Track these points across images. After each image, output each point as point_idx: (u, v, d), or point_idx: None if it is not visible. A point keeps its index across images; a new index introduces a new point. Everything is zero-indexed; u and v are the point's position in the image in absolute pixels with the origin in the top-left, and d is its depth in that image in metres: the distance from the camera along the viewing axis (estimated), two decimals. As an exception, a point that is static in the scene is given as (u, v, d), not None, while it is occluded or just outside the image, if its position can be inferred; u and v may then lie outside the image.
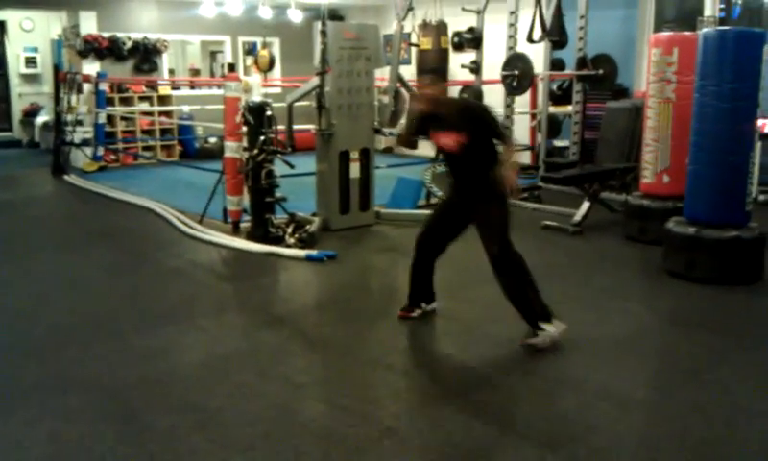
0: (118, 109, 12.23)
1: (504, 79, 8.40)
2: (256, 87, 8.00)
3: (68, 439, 3.33)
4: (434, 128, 4.59)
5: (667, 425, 3.46)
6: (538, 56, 9.06)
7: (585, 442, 3.29)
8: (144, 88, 12.74)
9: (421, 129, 4.72)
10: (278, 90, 12.68)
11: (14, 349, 4.45)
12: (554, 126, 10.10)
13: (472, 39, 9.25)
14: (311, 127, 7.50)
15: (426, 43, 10.17)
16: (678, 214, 6.06)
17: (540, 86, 9.83)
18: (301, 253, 6.38)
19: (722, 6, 9.60)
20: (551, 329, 4.36)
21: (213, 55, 15.74)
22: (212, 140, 12.86)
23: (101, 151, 11.82)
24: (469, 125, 4.44)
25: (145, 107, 12.64)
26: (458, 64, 9.62)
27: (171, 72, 14.05)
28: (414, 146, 5.11)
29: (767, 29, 7.94)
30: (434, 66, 9.97)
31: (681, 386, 3.91)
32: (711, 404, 3.66)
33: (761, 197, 8.37)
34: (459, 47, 11.36)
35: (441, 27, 10.08)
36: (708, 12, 9.54)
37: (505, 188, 4.40)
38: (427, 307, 4.87)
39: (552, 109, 9.83)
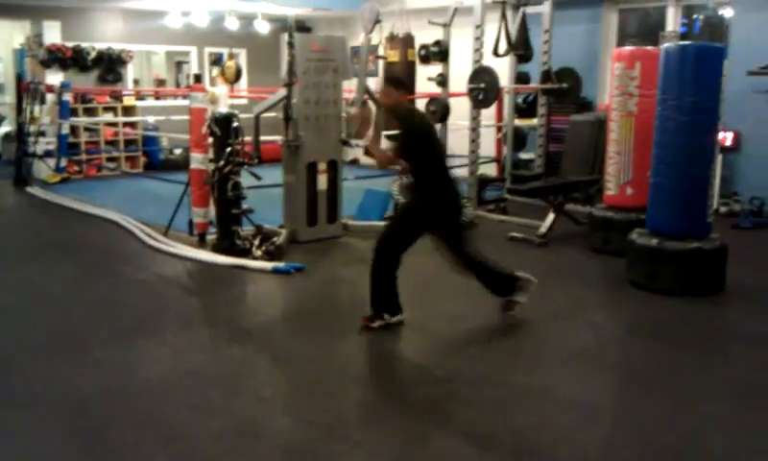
0: (82, 120, 12.06)
1: (470, 92, 8.47)
2: (223, 98, 7.98)
3: (36, 456, 3.28)
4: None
5: (631, 435, 3.51)
6: (503, 69, 9.16)
7: (550, 453, 3.32)
8: (108, 99, 12.59)
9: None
10: (245, 102, 12.63)
11: (-26, 364, 4.36)
12: (519, 138, 10.20)
13: (439, 52, 9.32)
14: (278, 138, 7.48)
15: (393, 56, 10.23)
16: (641, 226, 6.15)
17: (506, 99, 9.92)
18: (268, 265, 6.34)
19: (683, 21, 9.82)
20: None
21: (179, 65, 15.62)
22: (177, 151, 12.76)
23: (64, 162, 11.62)
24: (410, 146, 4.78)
25: (109, 117, 12.48)
26: (425, 77, 9.67)
27: (136, 82, 13.90)
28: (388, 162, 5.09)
29: (727, 44, 8.17)
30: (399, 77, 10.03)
31: (643, 396, 3.97)
32: (674, 413, 3.72)
33: (722, 208, 8.54)
34: (426, 60, 11.43)
35: (408, 40, 10.15)
36: (669, 26, 9.79)
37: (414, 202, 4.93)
38: (391, 319, 4.84)
39: (517, 122, 9.94)
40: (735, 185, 8.90)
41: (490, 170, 10.48)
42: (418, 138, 4.82)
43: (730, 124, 8.22)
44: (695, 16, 10.16)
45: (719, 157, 6.55)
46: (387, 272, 4.80)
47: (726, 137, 8.52)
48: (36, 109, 11.37)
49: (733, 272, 5.86)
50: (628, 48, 7.12)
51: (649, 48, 6.87)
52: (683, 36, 9.21)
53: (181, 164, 11.71)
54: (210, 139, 6.91)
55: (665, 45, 5.93)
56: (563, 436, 3.46)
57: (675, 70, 5.70)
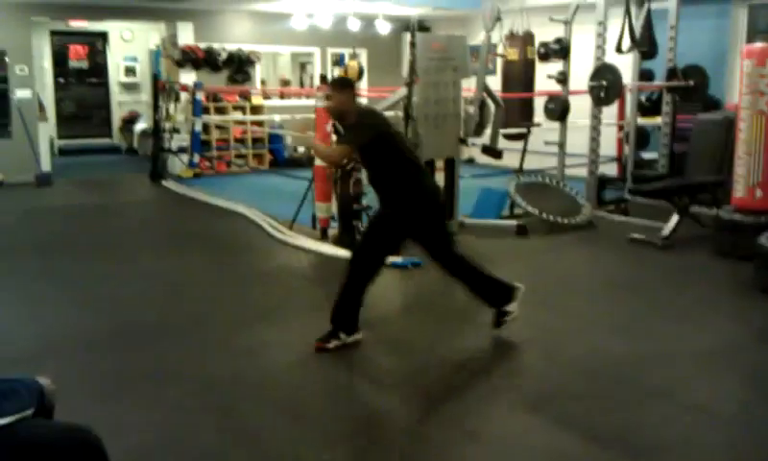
0: (213, 118, 12.71)
1: (591, 89, 8.36)
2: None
3: (173, 426, 3.58)
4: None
5: (758, 440, 3.44)
6: (626, 66, 8.97)
7: (675, 453, 3.31)
8: (237, 98, 13.20)
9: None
10: (366, 101, 12.91)
11: (118, 342, 4.75)
12: (642, 138, 9.96)
13: (559, 50, 9.24)
14: (398, 137, 7.65)
15: (513, 54, 10.20)
16: (771, 229, 5.93)
17: (629, 98, 9.72)
18: (387, 260, 6.52)
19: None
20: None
21: (303, 66, 16.14)
22: (300, 150, 13.21)
23: (196, 158, 12.31)
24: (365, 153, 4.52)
25: (238, 116, 13.08)
26: (544, 75, 9.60)
27: (263, 82, 14.48)
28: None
29: None
30: (520, 77, 10.01)
31: (770, 402, 3.87)
32: (802, 422, 3.62)
33: None
34: (545, 57, 11.31)
35: (527, 37, 10.09)
36: (805, 22, 9.28)
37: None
38: (347, 339, 4.54)
39: (641, 121, 9.71)
40: None
41: (610, 170, 10.30)
42: (371, 143, 4.41)
43: None
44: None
45: None
46: (357, 289, 4.51)
47: None
48: (171, 107, 12.07)
49: None
50: (758, 45, 6.84)
51: (782, 44, 6.59)
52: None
53: (303, 162, 12.16)
54: (334, 137, 7.16)
55: (801, 41, 5.69)
56: (688, 437, 3.44)
57: (811, 67, 5.47)
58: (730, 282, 6.11)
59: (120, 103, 16.21)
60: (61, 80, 16.07)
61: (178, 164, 12.19)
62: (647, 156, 9.95)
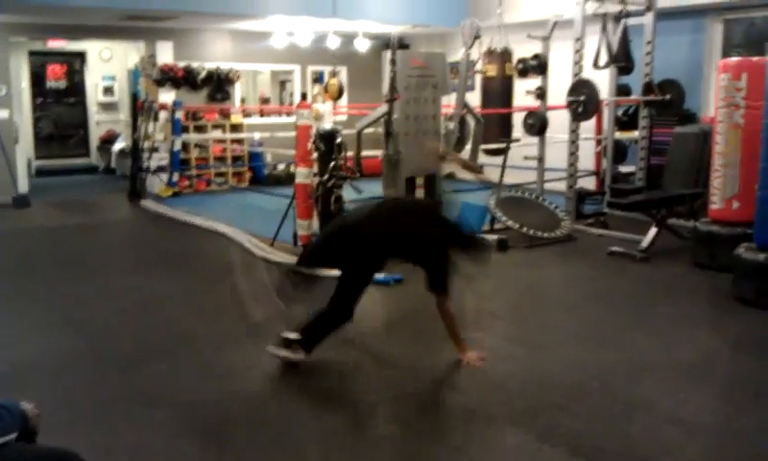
0: (192, 137, 12.67)
1: (569, 104, 8.45)
2: (327, 115, 8.25)
3: (153, 449, 3.54)
4: None
5: (738, 449, 3.47)
6: (603, 81, 9.08)
7: (653, 464, 3.33)
8: (217, 116, 13.18)
9: None
10: (345, 118, 12.96)
11: (99, 364, 4.71)
12: (620, 151, 10.06)
13: (537, 66, 9.34)
14: (379, 153, 7.69)
15: (492, 70, 10.29)
16: (748, 240, 6.00)
17: (606, 112, 9.82)
18: (369, 276, 6.52)
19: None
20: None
21: (282, 84, 16.16)
22: (281, 167, 13.20)
23: (176, 177, 12.25)
24: None
25: (218, 134, 13.05)
26: (523, 91, 9.69)
27: (242, 100, 14.48)
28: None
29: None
30: (498, 93, 10.10)
31: (750, 411, 3.91)
32: (782, 431, 3.65)
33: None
34: (524, 73, 11.42)
35: (506, 54, 10.19)
36: (778, 36, 9.45)
37: None
38: (296, 356, 4.47)
39: (618, 135, 9.82)
40: None
41: (589, 183, 10.39)
42: None
43: None
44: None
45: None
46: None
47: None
48: (150, 126, 12.01)
49: None
50: (734, 59, 6.96)
51: (756, 58, 6.70)
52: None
53: (283, 179, 12.15)
54: (315, 154, 7.18)
55: (774, 55, 5.79)
56: (669, 448, 3.46)
57: (784, 81, 5.57)
58: (708, 293, 6.18)
59: (98, 122, 16.11)
60: (39, 100, 15.97)
61: (157, 183, 12.12)
62: (625, 169, 10.05)
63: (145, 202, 11.24)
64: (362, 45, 13.24)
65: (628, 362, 4.65)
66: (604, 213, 8.89)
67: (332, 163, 6.94)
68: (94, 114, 16.12)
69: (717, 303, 5.87)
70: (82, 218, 10.31)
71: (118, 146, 15.12)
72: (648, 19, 9.07)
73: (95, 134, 16.15)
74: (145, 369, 4.59)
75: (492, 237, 7.85)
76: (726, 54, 9.93)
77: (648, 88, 9.00)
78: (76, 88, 16.30)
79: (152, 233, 9.49)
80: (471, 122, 8.02)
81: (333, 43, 12.99)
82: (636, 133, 9.65)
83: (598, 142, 10.59)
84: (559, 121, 9.24)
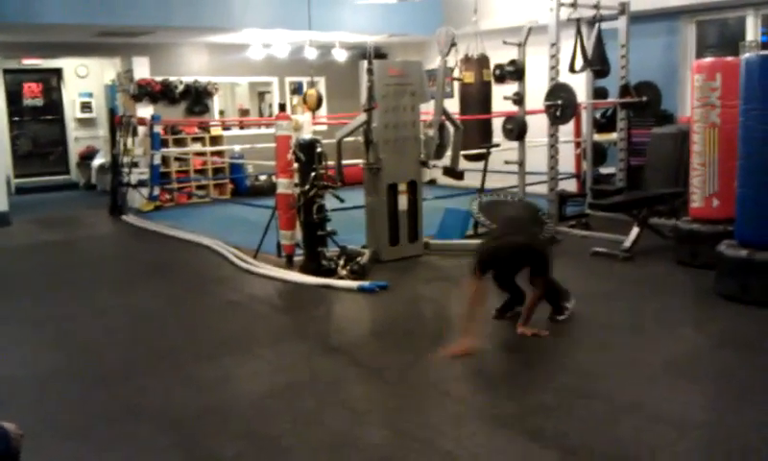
0: (172, 151, 12.64)
1: (547, 109, 8.50)
2: (306, 126, 8.24)
3: (144, 464, 3.52)
4: None
5: (726, 446, 3.49)
6: (580, 85, 9.16)
7: (643, 463, 3.35)
8: (196, 129, 13.14)
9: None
10: (325, 128, 12.96)
11: (83, 379, 4.67)
12: (599, 153, 10.14)
13: (514, 71, 9.38)
14: (359, 161, 7.70)
15: (469, 77, 10.34)
16: (729, 237, 6.06)
17: (584, 115, 9.90)
18: (354, 284, 6.53)
19: (763, 30, 9.61)
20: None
21: (261, 95, 16.15)
22: (262, 178, 13.18)
23: (156, 191, 12.21)
24: None
25: (198, 147, 13.02)
26: (501, 96, 9.74)
27: (221, 113, 14.45)
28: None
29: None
30: (477, 99, 10.14)
31: (737, 408, 3.93)
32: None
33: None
34: (501, 79, 11.48)
35: (482, 60, 10.24)
36: (749, 36, 9.60)
37: None
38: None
39: (597, 137, 9.89)
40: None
41: (570, 186, 10.46)
42: None
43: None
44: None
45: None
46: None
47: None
48: (129, 141, 11.96)
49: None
50: (708, 59, 7.04)
51: (729, 58, 6.79)
52: (764, 46, 9.01)
53: (266, 190, 12.13)
54: (295, 165, 7.17)
55: (746, 55, 5.86)
56: (657, 447, 3.47)
57: (757, 80, 5.63)
58: (691, 291, 6.23)
59: (77, 138, 16.06)
60: (16, 118, 15.85)
61: (138, 198, 12.06)
62: (605, 170, 10.13)
63: (126, 216, 11.18)
64: (339, 55, 13.27)
65: (615, 361, 4.67)
66: (586, 215, 8.95)
67: (313, 173, 6.93)
68: (72, 131, 16.06)
69: (701, 301, 5.92)
70: (63, 235, 10.23)
71: (98, 162, 15.06)
72: (622, 23, 9.16)
73: (74, 151, 16.10)
74: (129, 384, 4.55)
75: (477, 242, 7.86)
76: (700, 55, 10.06)
77: (625, 91, 9.08)
78: (53, 105, 16.23)
79: (134, 248, 9.43)
80: (451, 129, 8.04)
81: (311, 54, 12.99)
82: (614, 135, 9.73)
83: (577, 145, 10.66)
84: (538, 125, 9.29)
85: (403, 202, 7.54)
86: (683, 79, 10.18)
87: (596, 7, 8.87)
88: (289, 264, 7.37)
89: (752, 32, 9.67)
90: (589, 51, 8.92)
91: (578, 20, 8.81)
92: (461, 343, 4.74)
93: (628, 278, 6.72)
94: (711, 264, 6.05)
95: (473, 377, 4.65)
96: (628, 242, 7.33)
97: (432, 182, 13.16)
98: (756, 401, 3.97)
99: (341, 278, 6.77)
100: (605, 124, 10.11)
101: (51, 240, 9.82)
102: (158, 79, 12.93)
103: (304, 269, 7.06)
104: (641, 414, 3.84)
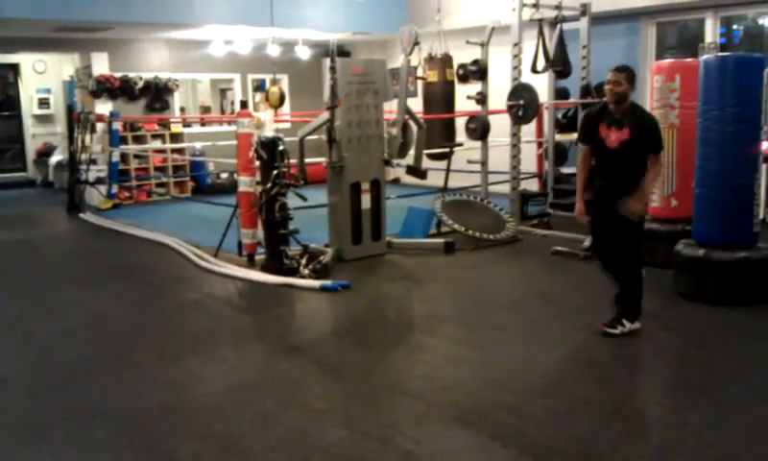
0: (131, 148, 12.46)
1: (510, 108, 8.55)
2: (268, 123, 8.16)
3: (98, 467, 3.44)
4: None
5: (684, 443, 3.53)
6: (542, 85, 9.22)
7: None
8: (156, 126, 12.97)
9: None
10: (288, 125, 12.87)
11: (39, 381, 4.56)
12: (561, 153, 10.22)
13: (477, 71, 9.42)
14: (322, 160, 7.66)
15: (432, 76, 10.35)
16: (686, 237, 6.15)
17: (546, 115, 9.97)
18: (316, 283, 6.49)
19: (722, 32, 9.78)
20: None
21: (223, 92, 15.99)
22: (224, 176, 13.06)
23: (115, 188, 12.02)
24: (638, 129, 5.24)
25: (158, 144, 12.85)
26: (464, 96, 9.76)
27: (182, 110, 14.28)
28: None
29: (767, 54, 8.11)
30: (440, 98, 10.15)
31: (695, 404, 3.98)
32: (726, 422, 3.73)
33: (769, 218, 8.44)
34: (464, 79, 11.54)
35: (446, 60, 10.26)
36: (708, 38, 9.76)
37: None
38: (631, 326, 5.07)
39: (558, 137, 9.97)
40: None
41: (532, 185, 10.54)
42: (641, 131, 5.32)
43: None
44: (735, 27, 10.12)
45: (764, 167, 6.51)
46: (638, 278, 5.17)
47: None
48: (87, 138, 11.74)
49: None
50: (667, 61, 7.14)
51: (688, 60, 6.89)
52: (722, 47, 9.17)
53: (227, 188, 12.01)
54: (257, 163, 7.10)
55: (705, 57, 5.96)
56: (617, 445, 3.50)
57: (715, 81, 5.73)
58: (650, 289, 6.26)
59: (34, 135, 15.73)
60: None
61: (96, 196, 11.85)
62: (566, 170, 10.22)
63: (84, 215, 10.97)
64: (303, 53, 13.19)
65: (574, 360, 4.71)
66: (547, 214, 9.02)
67: (275, 171, 6.87)
68: (30, 127, 15.75)
69: (659, 299, 5.99)
70: (19, 233, 9.99)
71: (55, 159, 14.78)
72: (583, 24, 9.23)
73: (31, 148, 15.78)
74: (88, 385, 4.45)
75: (439, 241, 7.89)
76: (660, 56, 10.20)
77: (586, 91, 9.16)
78: (10, 101, 15.87)
79: (92, 247, 9.25)
80: (414, 128, 8.03)
81: (273, 51, 12.89)
82: (575, 135, 9.81)
83: (539, 145, 10.74)
84: (500, 125, 9.34)
85: (366, 200, 7.52)
86: (642, 80, 10.30)
87: (558, 8, 8.94)
88: (250, 263, 7.29)
89: (711, 33, 9.84)
90: (551, 51, 8.99)
91: (540, 21, 8.87)
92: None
93: (588, 276, 6.75)
94: (669, 263, 6.13)
95: (434, 379, 4.64)
96: (588, 241, 7.38)
97: (395, 181, 13.14)
98: (713, 398, 4.02)
99: (303, 277, 6.72)
100: (566, 124, 10.19)
101: (6, 239, 9.59)
102: (118, 75, 12.73)
103: (266, 268, 7.00)
104: (600, 411, 3.87)
